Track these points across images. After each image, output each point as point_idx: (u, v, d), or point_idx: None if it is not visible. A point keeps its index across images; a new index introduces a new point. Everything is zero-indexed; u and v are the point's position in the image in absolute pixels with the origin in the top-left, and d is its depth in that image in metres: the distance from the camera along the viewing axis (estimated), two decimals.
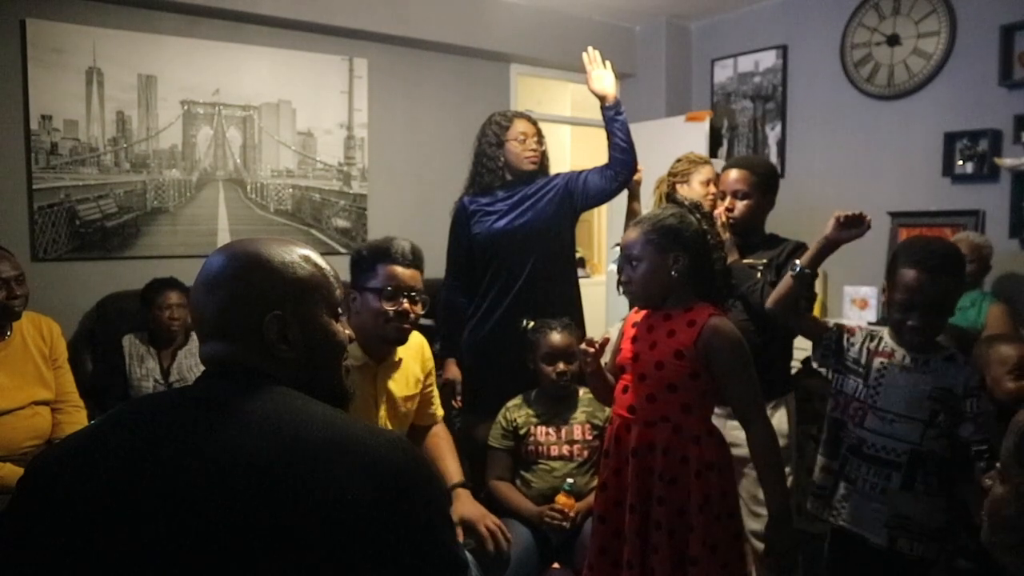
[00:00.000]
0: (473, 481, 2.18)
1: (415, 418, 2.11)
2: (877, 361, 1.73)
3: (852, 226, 1.77)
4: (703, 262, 1.71)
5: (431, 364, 2.17)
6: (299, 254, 1.04)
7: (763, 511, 1.95)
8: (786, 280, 1.85)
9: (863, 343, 1.77)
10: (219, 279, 1.00)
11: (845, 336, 1.80)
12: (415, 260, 1.93)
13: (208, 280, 1.01)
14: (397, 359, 2.00)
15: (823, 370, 1.87)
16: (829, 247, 1.81)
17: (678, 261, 1.68)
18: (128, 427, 0.93)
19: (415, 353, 2.07)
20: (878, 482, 1.69)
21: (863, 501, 1.71)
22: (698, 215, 1.73)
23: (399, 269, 1.89)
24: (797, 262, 1.84)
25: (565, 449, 2.19)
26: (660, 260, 1.68)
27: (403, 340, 1.94)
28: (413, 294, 1.91)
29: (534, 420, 2.23)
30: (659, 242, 1.68)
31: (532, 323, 2.31)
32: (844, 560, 1.79)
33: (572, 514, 2.07)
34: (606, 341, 1.81)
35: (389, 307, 1.86)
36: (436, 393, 2.21)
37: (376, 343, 1.92)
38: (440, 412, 2.22)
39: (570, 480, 2.11)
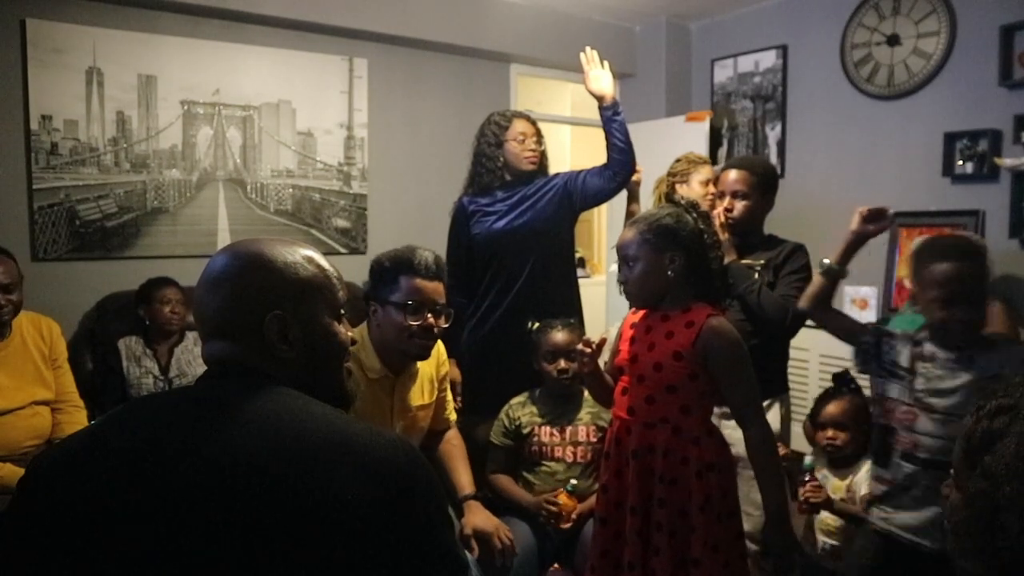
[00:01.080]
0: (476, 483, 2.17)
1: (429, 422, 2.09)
2: (920, 364, 1.69)
3: (876, 220, 1.78)
4: (700, 262, 1.70)
5: (446, 368, 2.14)
6: (302, 255, 1.04)
7: (755, 511, 1.96)
8: (816, 278, 1.88)
9: (904, 346, 1.73)
10: (221, 278, 1.01)
11: (884, 340, 1.76)
12: (438, 272, 1.87)
13: (211, 279, 1.01)
14: (415, 369, 1.97)
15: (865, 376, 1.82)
16: (856, 242, 1.81)
17: (674, 261, 1.67)
18: (128, 427, 0.94)
19: (431, 356, 2.02)
20: (936, 486, 1.64)
21: (920, 507, 1.66)
22: (695, 215, 1.72)
23: (423, 282, 1.82)
24: (825, 260, 1.85)
25: (569, 452, 2.19)
26: (656, 260, 1.68)
27: (425, 356, 1.90)
28: (437, 308, 1.86)
29: (538, 420, 2.22)
30: (655, 242, 1.68)
31: (537, 324, 2.31)
32: (892, 569, 1.74)
33: (574, 516, 2.07)
34: (603, 341, 1.80)
35: (413, 322, 1.81)
36: (450, 397, 2.19)
37: (397, 357, 1.89)
38: (453, 416, 2.20)
39: (573, 481, 2.10)
